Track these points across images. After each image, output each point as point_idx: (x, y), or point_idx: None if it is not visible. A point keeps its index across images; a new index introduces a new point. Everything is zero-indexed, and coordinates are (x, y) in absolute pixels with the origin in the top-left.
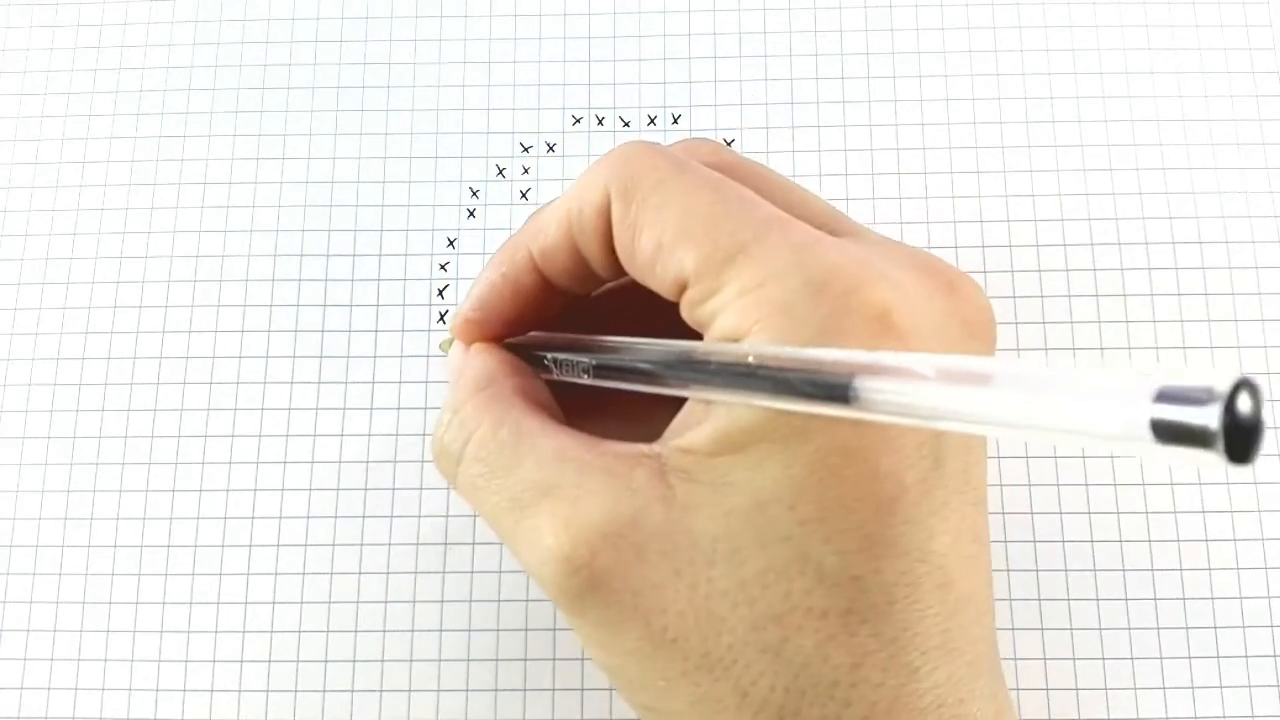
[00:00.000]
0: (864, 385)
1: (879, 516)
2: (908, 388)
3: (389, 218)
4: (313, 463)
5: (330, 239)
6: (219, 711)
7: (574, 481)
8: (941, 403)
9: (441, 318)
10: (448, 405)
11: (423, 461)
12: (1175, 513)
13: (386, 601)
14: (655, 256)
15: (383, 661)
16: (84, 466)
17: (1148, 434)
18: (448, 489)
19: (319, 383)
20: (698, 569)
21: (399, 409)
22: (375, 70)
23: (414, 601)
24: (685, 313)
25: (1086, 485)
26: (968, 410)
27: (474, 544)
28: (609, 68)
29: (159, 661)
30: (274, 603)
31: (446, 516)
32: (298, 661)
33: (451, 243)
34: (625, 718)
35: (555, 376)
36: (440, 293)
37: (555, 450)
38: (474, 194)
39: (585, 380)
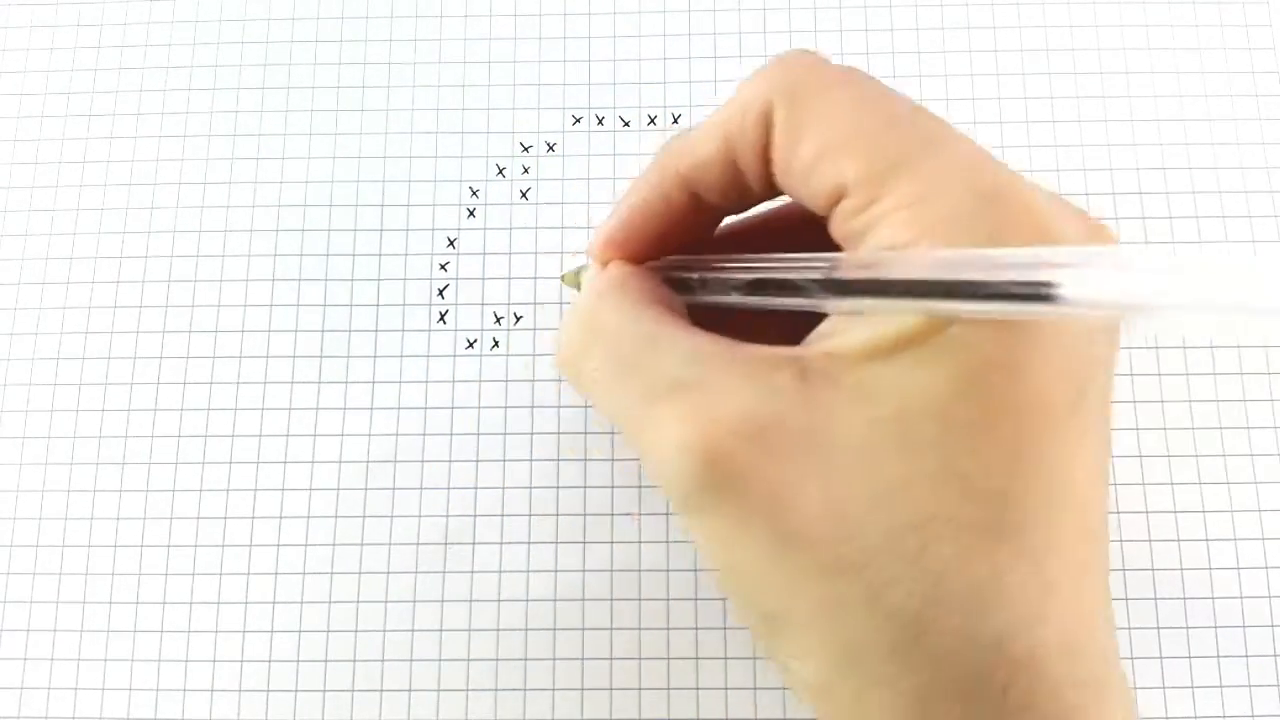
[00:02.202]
0: (1063, 280)
1: (1028, 433)
2: (1114, 279)
3: (389, 218)
4: (313, 463)
5: (330, 239)
6: (219, 711)
7: (712, 378)
8: (1154, 293)
9: (442, 317)
10: (574, 308)
11: (423, 461)
12: (1175, 513)
13: (386, 601)
14: (814, 164)
15: (383, 661)
16: (84, 466)
17: None
18: (448, 489)
19: (319, 383)
20: (836, 471)
21: (399, 409)
22: (375, 70)
23: (414, 601)
24: (838, 224)
25: None
26: (1182, 298)
27: (474, 544)
28: (609, 68)
29: (159, 661)
30: (274, 603)
31: (446, 516)
32: (298, 661)
33: (451, 243)
34: (626, 718)
35: (699, 298)
36: (440, 293)
37: (692, 348)
38: (474, 194)
39: (734, 299)
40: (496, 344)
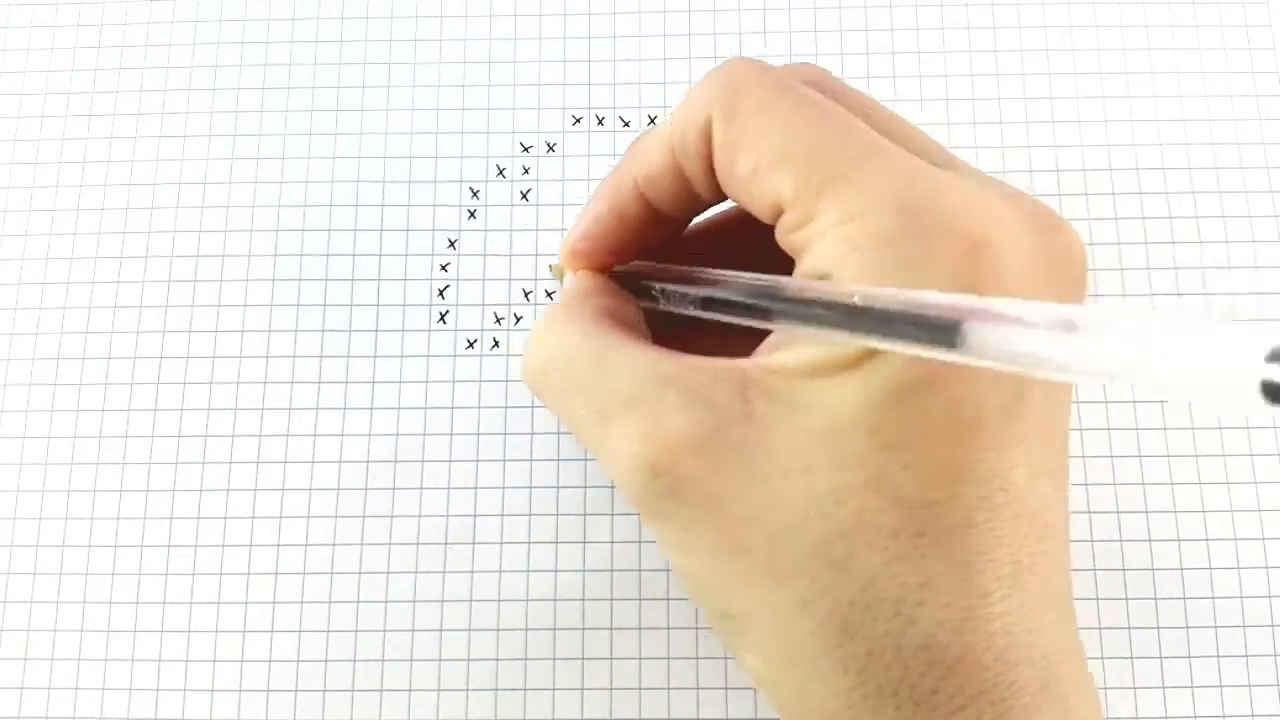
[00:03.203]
0: (972, 330)
1: (959, 444)
2: (1015, 335)
3: (389, 218)
4: (313, 463)
5: (330, 239)
6: (219, 711)
7: (657, 394)
8: (1051, 352)
9: (442, 318)
10: (535, 326)
11: (422, 461)
12: (1175, 512)
13: (386, 601)
14: (752, 179)
15: (383, 661)
16: (84, 466)
17: (1257, 395)
18: (448, 489)
19: (319, 383)
20: (772, 482)
21: (399, 409)
22: (375, 70)
23: (414, 601)
24: (780, 237)
25: (1086, 485)
26: (1077, 361)
27: (474, 544)
28: (609, 68)
29: (159, 661)
30: (274, 603)
31: (446, 516)
32: (298, 661)
33: (452, 243)
34: (625, 717)
35: (661, 307)
36: (440, 293)
37: (640, 365)
38: (474, 194)
39: (690, 312)
40: (496, 344)
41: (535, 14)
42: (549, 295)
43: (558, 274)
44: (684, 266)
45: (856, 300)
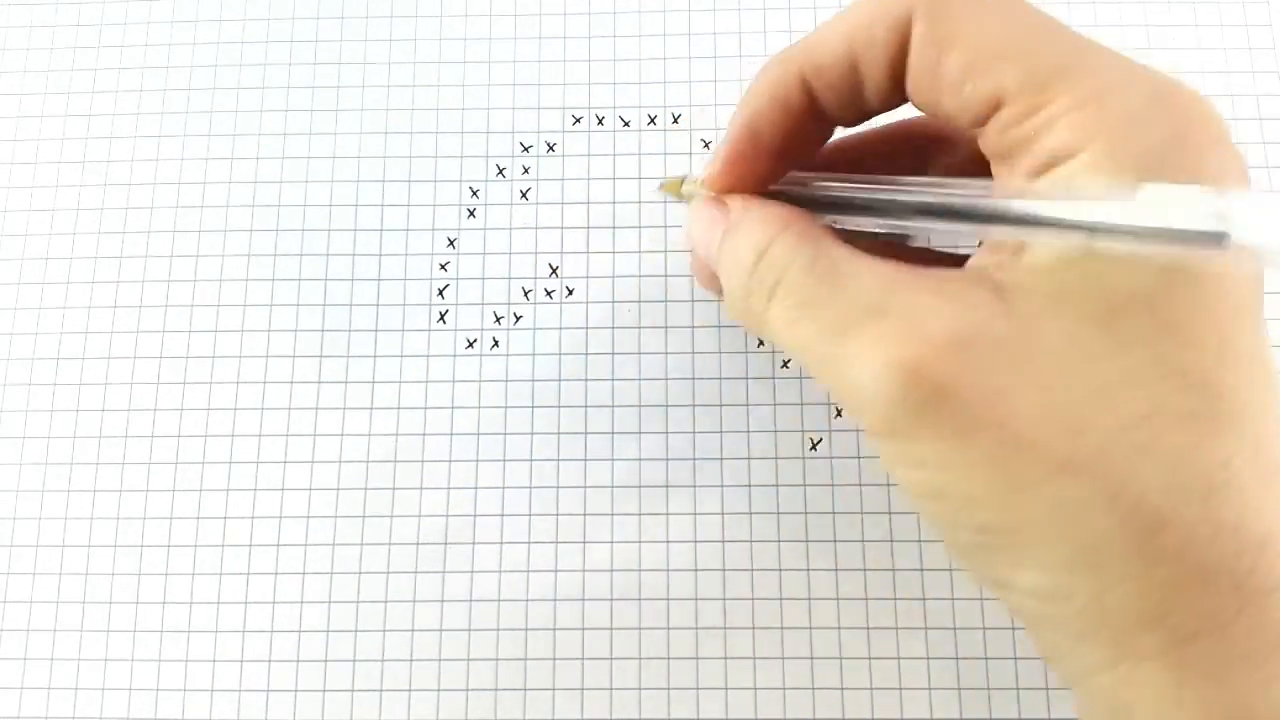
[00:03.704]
0: (1239, 230)
1: (1234, 322)
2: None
3: (389, 218)
4: (313, 463)
5: (330, 239)
6: (219, 711)
7: (906, 300)
8: None
9: (442, 317)
10: (744, 249)
11: (422, 461)
12: None
13: (386, 601)
14: (966, 75)
15: (383, 661)
16: (84, 466)
17: None
18: (448, 489)
19: (319, 383)
20: (1052, 375)
21: (399, 409)
22: (375, 70)
23: (414, 601)
24: (993, 135)
25: None
26: None
27: (474, 544)
28: (609, 68)
29: (159, 661)
30: (274, 603)
31: (446, 516)
32: (298, 661)
33: (451, 243)
34: (625, 717)
35: (858, 226)
36: (440, 292)
37: (880, 275)
38: (474, 194)
39: (905, 222)
40: (496, 344)
41: (535, 14)
42: (549, 295)
43: (674, 189)
44: (861, 175)
45: (1107, 206)
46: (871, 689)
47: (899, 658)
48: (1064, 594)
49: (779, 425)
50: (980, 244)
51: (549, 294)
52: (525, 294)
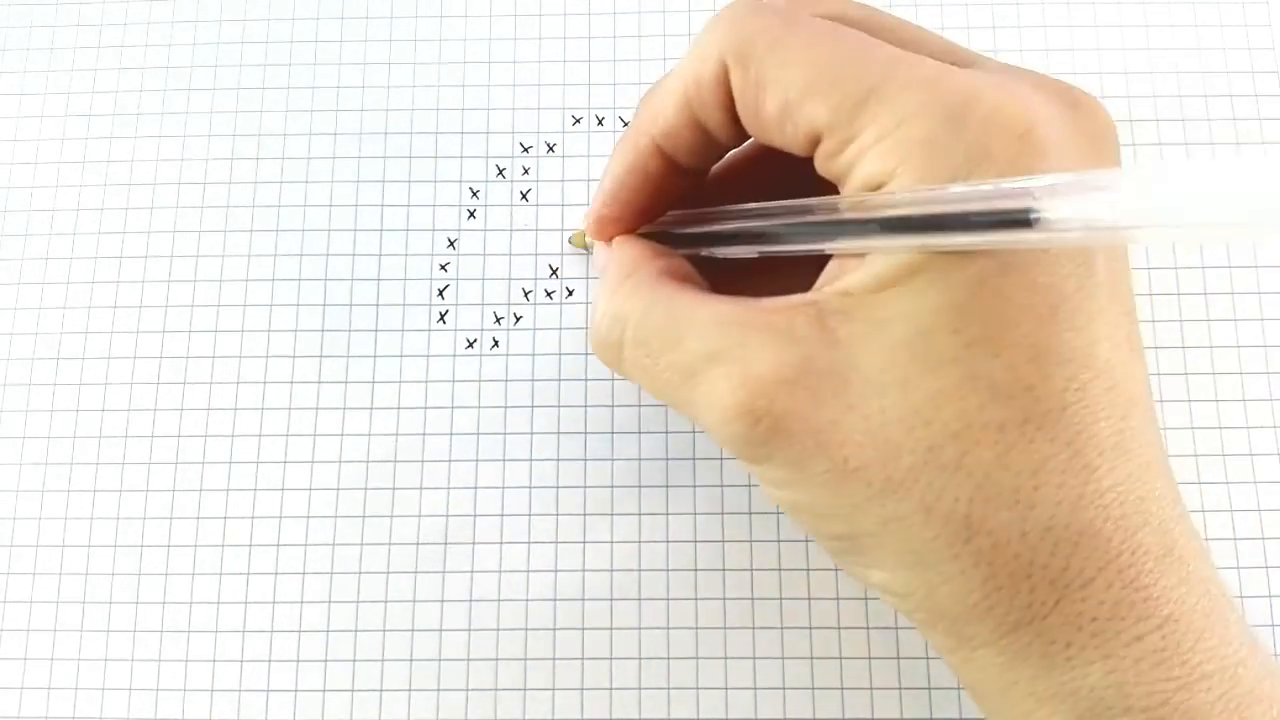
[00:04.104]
0: (1044, 208)
1: (1044, 326)
2: (1088, 203)
3: (389, 218)
4: (313, 463)
5: (330, 239)
6: (219, 711)
7: (738, 342)
8: (1128, 213)
9: (442, 318)
10: (598, 301)
11: (422, 461)
12: None
13: (386, 601)
14: (783, 115)
15: (383, 661)
16: (84, 466)
17: None
18: (448, 489)
19: (319, 383)
20: (869, 401)
21: (399, 409)
22: (375, 70)
23: (414, 601)
24: (821, 166)
25: None
26: (1157, 214)
27: (474, 544)
28: (609, 68)
29: (159, 661)
30: (274, 603)
31: (446, 516)
32: (298, 661)
33: (451, 243)
34: (625, 717)
35: (703, 254)
36: (440, 293)
37: (712, 318)
38: (474, 194)
39: (739, 252)
40: (496, 344)
41: (535, 14)
42: (549, 295)
43: (579, 243)
44: (725, 206)
45: (918, 204)
46: (871, 689)
47: (899, 657)
48: (904, 591)
49: None
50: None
51: (549, 294)
52: (525, 294)
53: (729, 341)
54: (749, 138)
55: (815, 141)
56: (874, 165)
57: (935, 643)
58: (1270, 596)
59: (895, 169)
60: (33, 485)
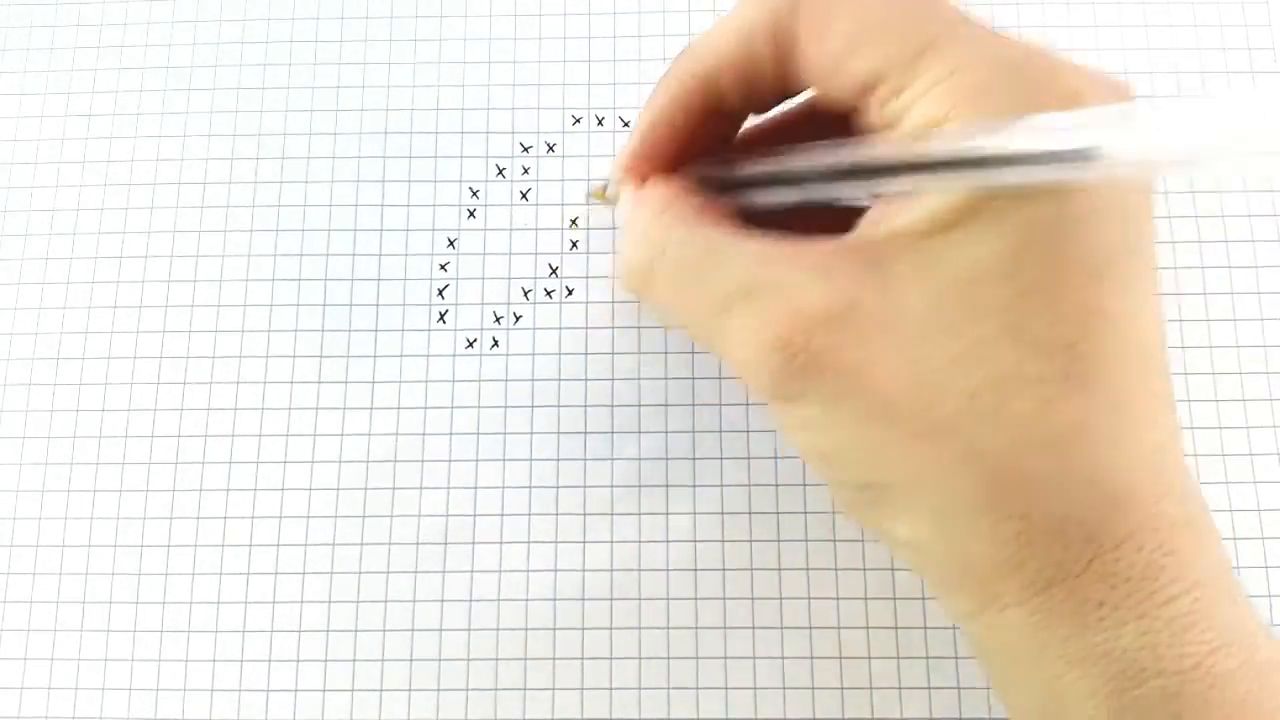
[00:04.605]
0: (1106, 142)
1: (1092, 284)
2: (1150, 137)
3: (389, 218)
4: (313, 463)
5: (330, 239)
6: (219, 711)
7: (782, 277)
8: (1188, 148)
9: (442, 317)
10: (630, 232)
11: (422, 461)
12: None
13: (386, 601)
14: (845, 56)
15: (383, 661)
16: (84, 466)
17: None
18: (448, 489)
19: (319, 383)
20: (914, 345)
21: (399, 409)
22: (375, 70)
23: (414, 601)
24: (873, 112)
25: None
26: (1219, 147)
27: (474, 544)
28: (609, 68)
29: (159, 661)
30: (274, 602)
31: (446, 516)
32: (298, 661)
33: (451, 243)
34: (625, 717)
35: (742, 201)
36: (440, 293)
37: (757, 252)
38: (474, 194)
39: (782, 197)
40: (496, 344)
41: (535, 14)
42: (548, 295)
43: (601, 196)
44: (764, 150)
45: (975, 141)
46: (871, 689)
47: (899, 657)
48: (930, 545)
49: None
50: (868, 209)
51: (549, 294)
52: (525, 294)
53: (771, 276)
54: (790, 95)
55: (869, 88)
56: (928, 109)
57: (957, 606)
58: (1270, 596)
59: (949, 113)
60: (33, 485)
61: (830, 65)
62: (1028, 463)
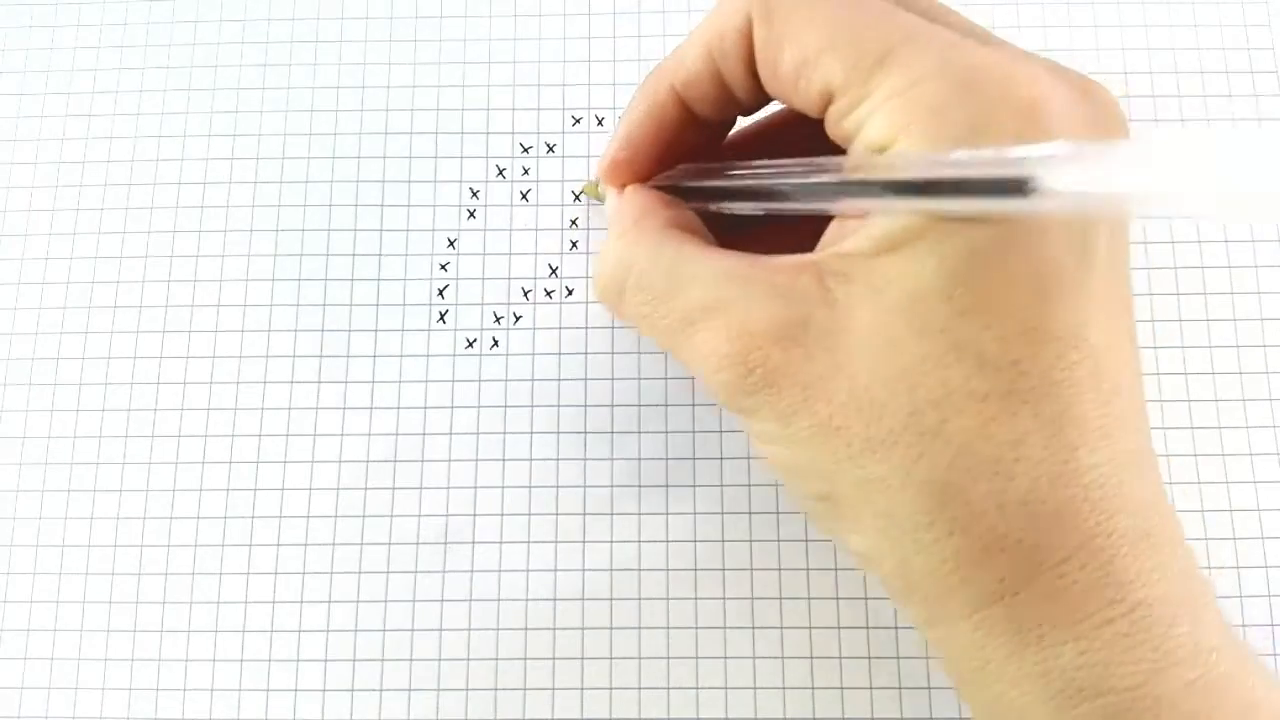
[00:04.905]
0: (1042, 176)
1: (1037, 302)
2: (1087, 173)
3: (389, 218)
4: (313, 463)
5: (330, 239)
6: (219, 711)
7: (740, 294)
8: (1127, 183)
9: (442, 317)
10: (605, 246)
11: (422, 461)
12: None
13: (386, 601)
14: (800, 71)
15: (382, 661)
16: (84, 466)
17: None
18: (448, 488)
19: (319, 383)
20: (858, 361)
21: (399, 409)
22: (375, 70)
23: (414, 601)
24: (831, 126)
25: None
26: (1155, 186)
27: (474, 544)
28: (609, 68)
29: (159, 661)
30: (274, 602)
31: (446, 516)
32: (298, 661)
33: (451, 243)
34: (625, 717)
35: (711, 209)
36: (440, 292)
37: (716, 270)
38: (474, 194)
39: (746, 209)
40: (496, 344)
41: (535, 14)
42: (548, 295)
43: (592, 192)
44: (736, 162)
45: (920, 168)
46: (871, 689)
47: (899, 657)
48: (879, 558)
49: None
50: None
51: (549, 294)
52: (525, 294)
53: (729, 294)
54: (766, 101)
55: (828, 100)
56: (881, 125)
57: (911, 615)
58: (1270, 596)
59: (901, 132)
60: (33, 485)
61: (791, 77)
62: (968, 480)
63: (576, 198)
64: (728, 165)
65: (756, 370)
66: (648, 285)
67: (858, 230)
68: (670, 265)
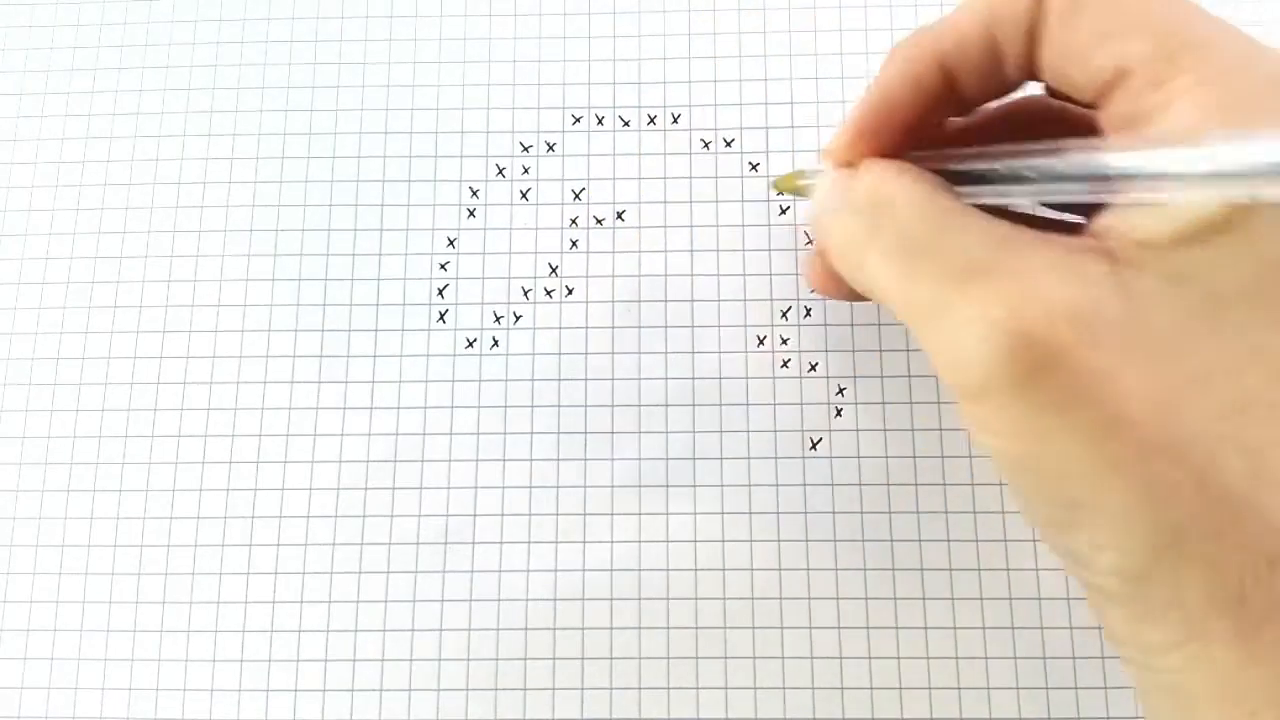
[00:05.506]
0: None
1: None
2: None
3: (389, 218)
4: (313, 463)
5: (330, 239)
6: (219, 711)
7: (1020, 262)
8: None
9: (442, 317)
10: (861, 189)
11: (422, 461)
12: None
13: (386, 601)
14: (1096, 43)
15: (382, 661)
16: (84, 466)
17: None
18: (448, 489)
19: (319, 383)
20: (1153, 357)
21: (399, 409)
22: (375, 70)
23: (414, 601)
24: (1116, 106)
25: None
26: None
27: (474, 544)
28: (609, 68)
29: (159, 661)
30: (274, 602)
31: (446, 516)
32: (298, 661)
33: (451, 243)
34: (625, 717)
35: (986, 200)
36: (440, 292)
37: (995, 232)
38: (474, 194)
39: (1015, 199)
40: (496, 343)
41: (535, 14)
42: (548, 294)
43: (788, 186)
44: (999, 145)
45: (1240, 153)
46: (871, 689)
47: (899, 657)
48: (1141, 573)
49: (779, 425)
50: (1090, 218)
51: (549, 293)
52: (525, 294)
53: (1011, 259)
54: (1026, 81)
55: (1120, 78)
56: (1183, 111)
57: (1149, 637)
58: None
59: (1205, 119)
60: (33, 485)
61: (1080, 52)
62: (1265, 493)
63: (780, 193)
64: (966, 152)
65: (1038, 346)
66: (911, 231)
67: (1149, 218)
68: (940, 214)
